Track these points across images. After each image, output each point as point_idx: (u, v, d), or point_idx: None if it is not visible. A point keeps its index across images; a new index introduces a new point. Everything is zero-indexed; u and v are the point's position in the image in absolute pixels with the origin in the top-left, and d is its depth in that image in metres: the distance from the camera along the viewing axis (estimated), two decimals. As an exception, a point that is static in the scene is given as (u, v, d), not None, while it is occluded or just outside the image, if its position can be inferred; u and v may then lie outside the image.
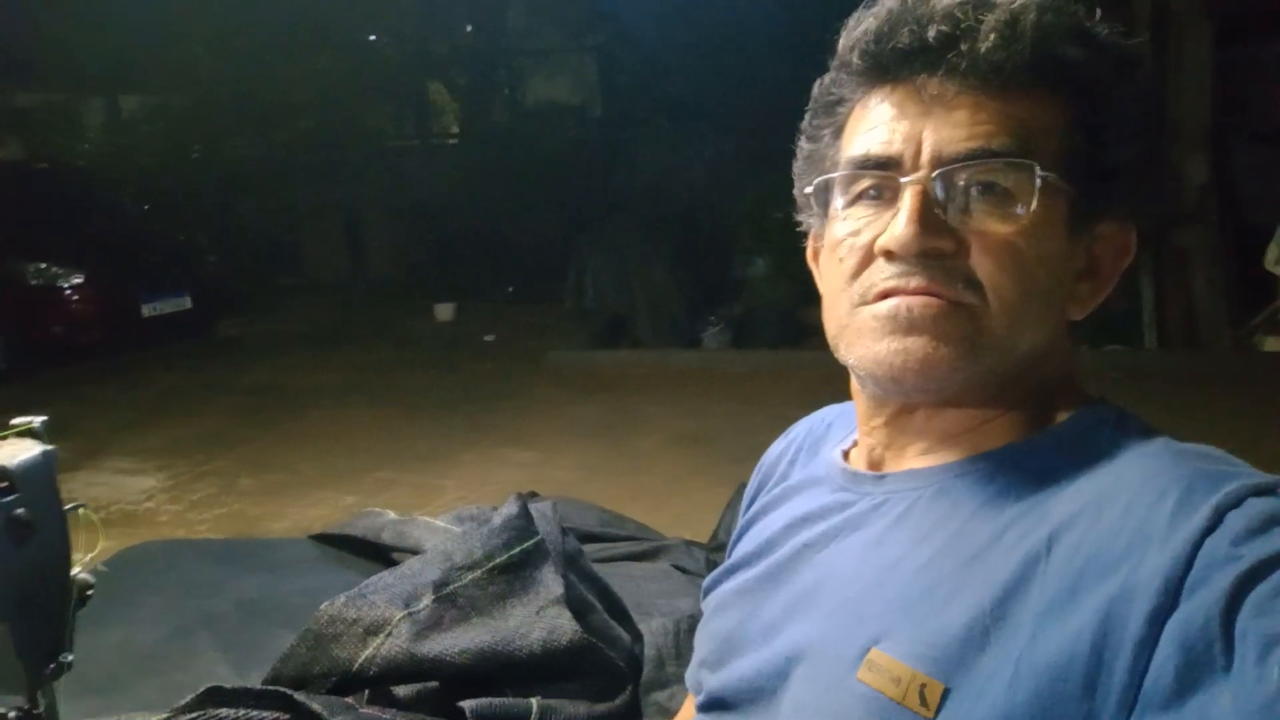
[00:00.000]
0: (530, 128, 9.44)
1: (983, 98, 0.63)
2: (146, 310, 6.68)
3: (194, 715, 0.74)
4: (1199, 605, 0.51)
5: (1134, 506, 0.56)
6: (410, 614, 0.94)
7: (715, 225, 6.76)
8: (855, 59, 0.67)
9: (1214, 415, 4.28)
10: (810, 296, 0.73)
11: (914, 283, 0.63)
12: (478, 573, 1.00)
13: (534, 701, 0.87)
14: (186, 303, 6.95)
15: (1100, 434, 0.64)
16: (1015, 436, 0.66)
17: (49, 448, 0.67)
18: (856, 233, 0.66)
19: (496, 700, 0.86)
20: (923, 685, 0.56)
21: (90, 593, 0.70)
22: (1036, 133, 0.63)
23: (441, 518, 1.34)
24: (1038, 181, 0.62)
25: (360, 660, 0.89)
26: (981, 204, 0.63)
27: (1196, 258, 5.38)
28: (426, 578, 0.98)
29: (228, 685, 0.79)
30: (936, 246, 0.62)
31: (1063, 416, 0.66)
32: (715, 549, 1.56)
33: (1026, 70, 0.62)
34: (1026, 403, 0.66)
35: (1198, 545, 0.53)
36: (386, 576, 1.00)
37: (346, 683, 0.89)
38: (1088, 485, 0.60)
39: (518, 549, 1.04)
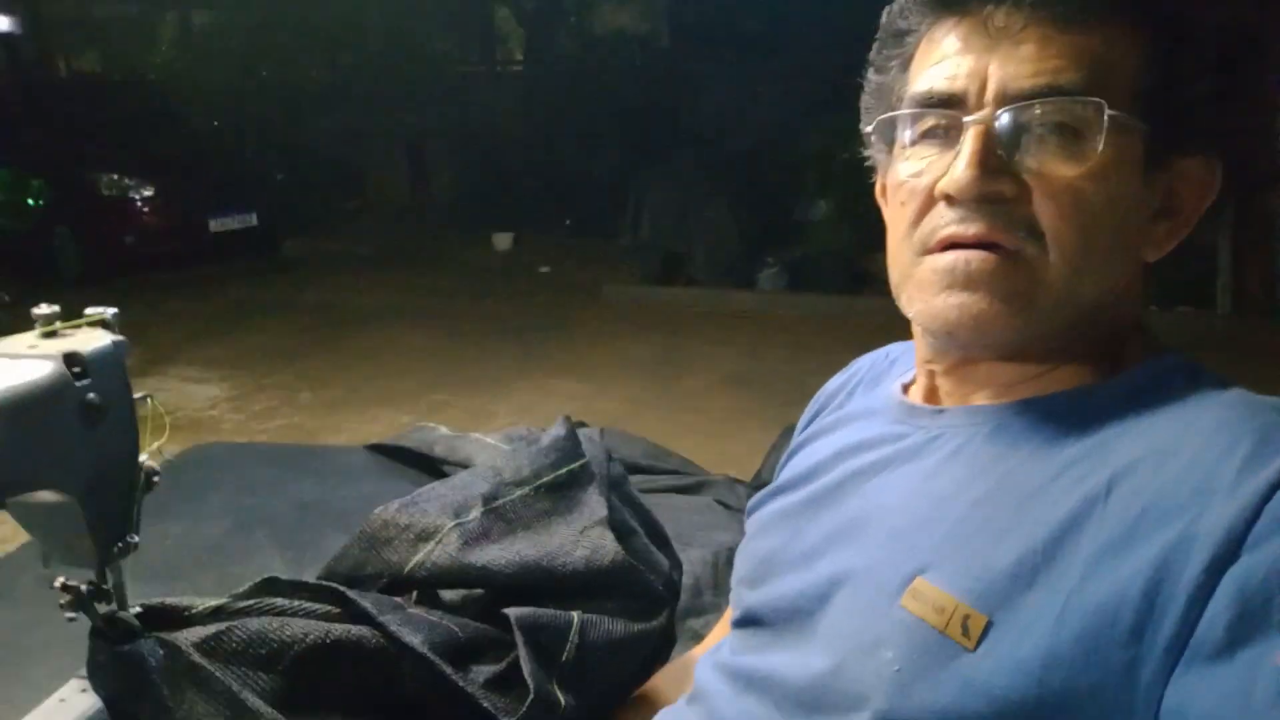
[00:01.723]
0: (596, 56, 9.30)
1: (1051, 30, 0.60)
2: (214, 225, 6.83)
3: (251, 602, 0.77)
4: (1261, 559, 0.50)
5: (1202, 455, 0.55)
6: (460, 524, 0.96)
7: (778, 165, 6.62)
8: None
9: (1286, 385, 4.13)
10: (873, 243, 0.71)
11: (973, 229, 0.61)
12: (525, 489, 1.02)
13: (575, 615, 0.89)
14: (252, 220, 7.08)
15: (1171, 381, 0.62)
16: (1081, 381, 0.64)
17: (119, 338, 0.69)
18: (919, 174, 0.65)
19: (540, 610, 0.88)
20: (966, 616, 0.56)
21: (156, 479, 0.73)
22: (1108, 67, 0.59)
23: (492, 435, 1.36)
24: (1105, 120, 0.58)
25: (411, 564, 0.92)
26: (1047, 144, 0.60)
27: (1282, 220, 5.14)
28: (476, 490, 1.00)
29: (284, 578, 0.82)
30: (996, 190, 0.60)
31: (1133, 363, 0.64)
32: (758, 487, 1.57)
33: (1098, 0, 0.59)
34: (1094, 350, 0.65)
35: (1267, 498, 0.51)
36: (438, 487, 1.03)
37: (396, 584, 0.92)
38: (1153, 431, 0.58)
39: (564, 469, 1.05)
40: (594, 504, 1.03)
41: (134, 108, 7.31)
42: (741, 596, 0.78)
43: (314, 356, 5.01)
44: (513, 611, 0.85)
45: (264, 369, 4.78)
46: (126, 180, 6.57)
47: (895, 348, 0.85)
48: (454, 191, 9.57)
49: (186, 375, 4.72)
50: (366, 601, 0.80)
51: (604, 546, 0.96)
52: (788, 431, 1.70)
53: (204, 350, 5.12)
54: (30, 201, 6.63)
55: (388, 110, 9.09)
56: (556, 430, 1.11)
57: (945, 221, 0.62)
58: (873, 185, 0.76)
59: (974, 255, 0.61)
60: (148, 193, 6.56)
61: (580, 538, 0.97)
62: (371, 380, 4.60)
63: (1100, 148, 0.59)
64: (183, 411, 4.21)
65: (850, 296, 5.71)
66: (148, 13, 10.18)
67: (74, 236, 6.48)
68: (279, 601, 0.78)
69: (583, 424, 1.52)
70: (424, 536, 0.94)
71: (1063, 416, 0.62)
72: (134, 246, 6.53)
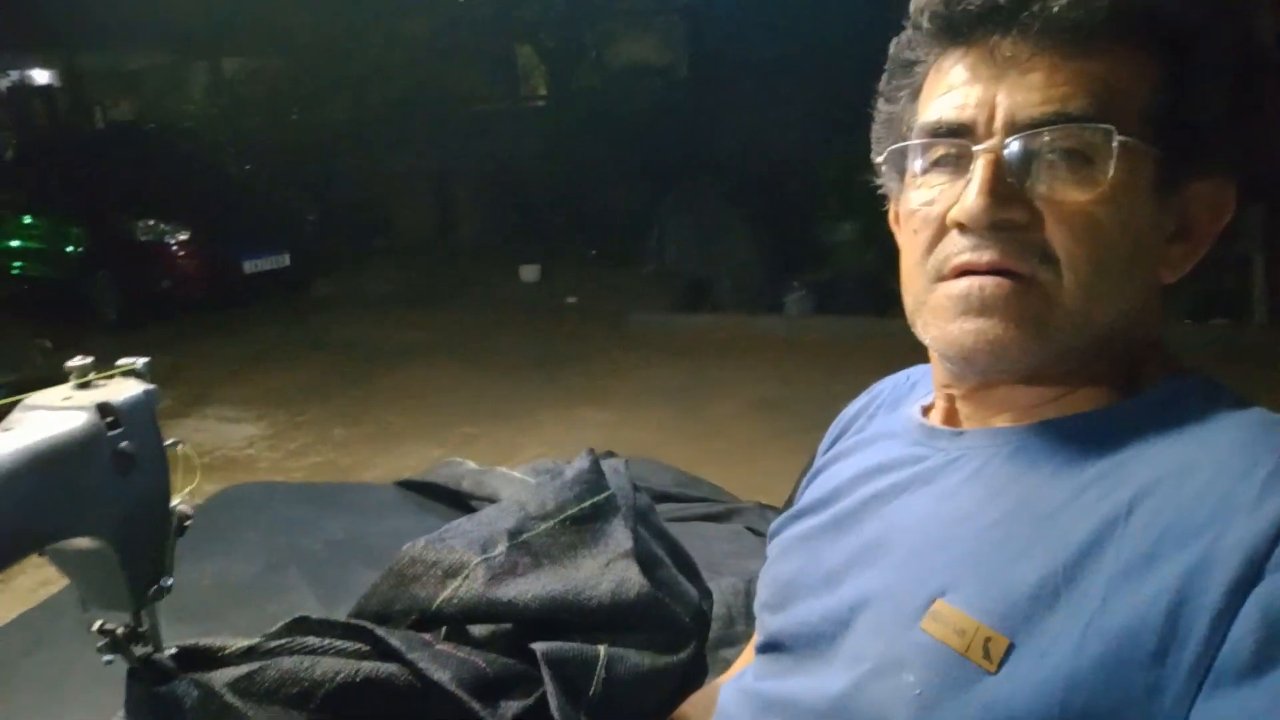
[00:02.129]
0: (617, 90, 9.41)
1: (1058, 58, 0.60)
2: (248, 267, 6.94)
3: (283, 641, 0.78)
4: None
5: (1222, 474, 0.55)
6: (486, 559, 0.97)
7: (801, 189, 6.64)
8: (926, 21, 0.65)
9: (1328, 396, 4.04)
10: (898, 264, 0.72)
11: (986, 257, 0.61)
12: (550, 523, 1.03)
13: (601, 649, 0.90)
14: (285, 260, 7.19)
15: (1189, 401, 0.62)
16: (1100, 403, 0.64)
17: (150, 387, 0.71)
18: (930, 203, 0.65)
19: (567, 645, 0.88)
20: (987, 639, 0.56)
21: (189, 523, 0.75)
22: (1117, 92, 0.59)
23: (518, 469, 1.37)
24: (1115, 146, 0.59)
25: (439, 600, 0.93)
26: (1057, 171, 0.60)
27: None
28: (502, 525, 1.01)
29: (315, 617, 0.84)
30: (1008, 218, 0.61)
31: (1151, 383, 0.64)
32: (789, 514, 1.56)
33: (1105, 26, 0.59)
34: (1112, 370, 0.65)
35: None
36: (465, 523, 1.04)
37: (425, 620, 0.93)
38: (1173, 451, 0.58)
39: (589, 502, 1.06)
40: (619, 536, 1.03)
41: (168, 154, 7.51)
42: (764, 621, 0.78)
43: (346, 394, 5.08)
44: (539, 646, 0.86)
45: (298, 407, 4.85)
46: (162, 225, 6.72)
47: (916, 370, 0.85)
48: (481, 226, 9.68)
49: (223, 415, 4.80)
50: (395, 639, 0.81)
51: (629, 579, 0.96)
52: (818, 455, 1.70)
53: (239, 390, 5.20)
54: (68, 249, 6.81)
55: (414, 149, 9.24)
56: (580, 463, 1.12)
57: (958, 249, 0.63)
58: None
59: (988, 281, 0.61)
60: (183, 236, 6.70)
61: (606, 570, 0.98)
62: (402, 415, 4.65)
63: (1111, 173, 0.59)
64: (220, 451, 4.27)
65: (877, 318, 5.67)
66: (179, 62, 10.46)
67: (112, 281, 6.63)
68: (310, 640, 0.79)
69: (611, 454, 1.53)
70: (451, 573, 0.95)
71: (1082, 437, 0.62)
72: (170, 290, 6.67)
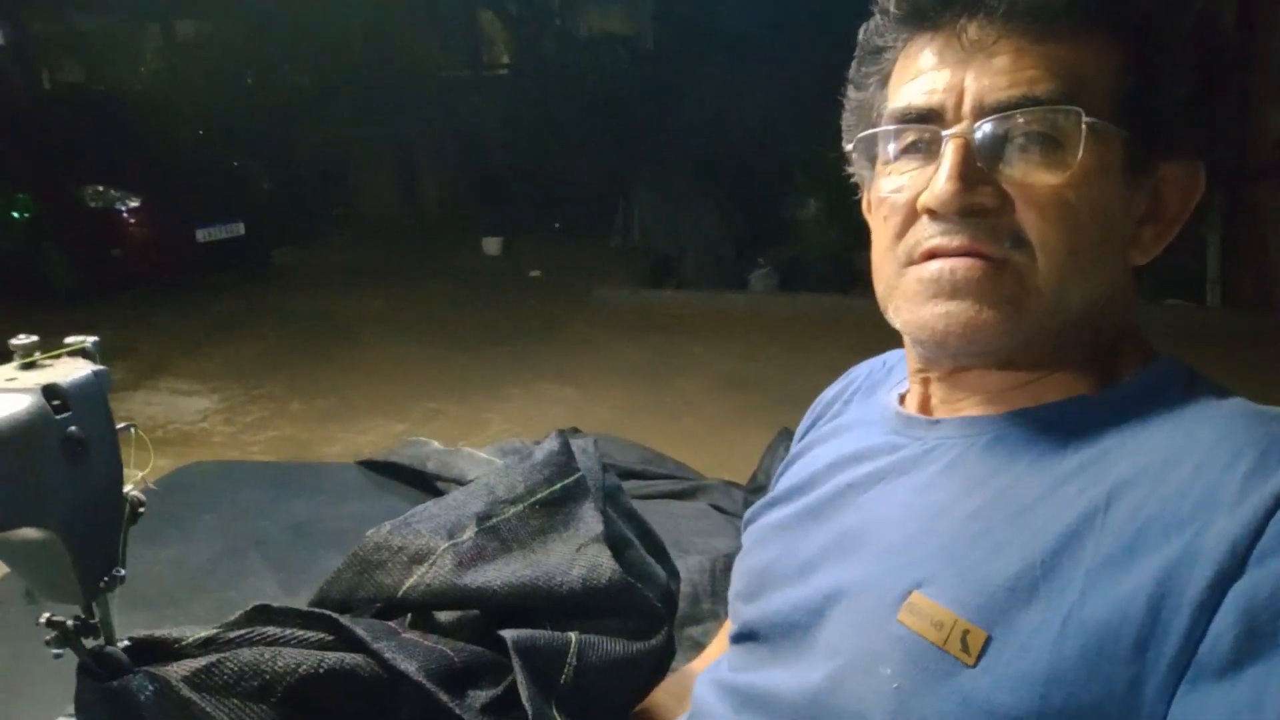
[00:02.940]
0: (582, 60, 9.29)
1: (1025, 41, 0.60)
2: (201, 235, 6.78)
3: (243, 632, 0.75)
4: (1268, 574, 0.49)
5: (1204, 468, 0.54)
6: (454, 545, 0.95)
7: (767, 166, 6.63)
8: (893, 6, 0.65)
9: (1277, 379, 4.15)
10: (862, 241, 0.72)
11: (956, 241, 0.61)
12: (520, 506, 1.01)
13: (572, 636, 0.88)
14: (240, 229, 7.03)
15: (1169, 391, 0.61)
16: (1077, 390, 0.64)
17: (100, 368, 0.68)
18: (899, 189, 0.65)
19: (537, 633, 0.87)
20: (965, 631, 0.56)
21: (142, 510, 0.72)
22: (1084, 75, 0.59)
23: (485, 449, 1.35)
24: (1084, 128, 0.58)
25: (405, 588, 0.90)
26: (1027, 154, 0.60)
27: (1271, 214, 5.16)
28: (470, 510, 0.99)
29: (276, 605, 0.81)
30: (978, 202, 0.60)
31: (1128, 371, 0.64)
32: (754, 490, 1.56)
33: (1071, 9, 0.59)
34: (1087, 356, 0.64)
35: (1271, 512, 0.51)
36: (431, 507, 1.01)
37: (391, 608, 0.91)
38: (1153, 443, 0.58)
39: (559, 484, 1.04)
40: (589, 519, 1.02)
41: (118, 119, 7.26)
42: (738, 611, 0.77)
43: (305, 366, 4.99)
44: (509, 634, 0.84)
45: (254, 380, 4.76)
46: (112, 192, 6.52)
47: (892, 355, 0.84)
48: (443, 197, 9.56)
49: (176, 388, 4.69)
50: (360, 628, 0.79)
51: (601, 565, 0.95)
52: (784, 434, 1.70)
53: (194, 362, 5.09)
54: (15, 215, 6.59)
55: (374, 117, 9.06)
56: (549, 444, 1.10)
57: (929, 235, 0.62)
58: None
59: (960, 263, 0.61)
60: (134, 204, 6.51)
61: (577, 556, 0.96)
62: (363, 389, 4.58)
63: (1080, 156, 0.59)
64: (173, 425, 4.18)
65: (842, 296, 5.71)
66: (131, 24, 10.13)
67: (60, 250, 6.43)
68: (271, 630, 0.76)
69: (576, 430, 1.51)
70: (418, 559, 0.93)
71: (1060, 427, 0.62)
72: (121, 259, 6.49)
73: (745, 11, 7.69)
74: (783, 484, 0.81)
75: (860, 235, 0.73)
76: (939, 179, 0.61)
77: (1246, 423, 0.57)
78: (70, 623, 0.68)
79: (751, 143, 6.98)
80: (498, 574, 0.91)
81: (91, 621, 0.70)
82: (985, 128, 0.60)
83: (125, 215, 6.50)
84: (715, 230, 6.38)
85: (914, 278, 0.63)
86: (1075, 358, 0.64)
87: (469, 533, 0.95)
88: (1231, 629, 0.49)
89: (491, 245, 7.99)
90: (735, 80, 7.58)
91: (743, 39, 7.86)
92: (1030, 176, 0.60)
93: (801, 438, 0.87)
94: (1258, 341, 4.73)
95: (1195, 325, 4.88)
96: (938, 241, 0.62)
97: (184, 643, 0.73)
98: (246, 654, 0.72)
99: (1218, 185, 0.65)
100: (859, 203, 0.77)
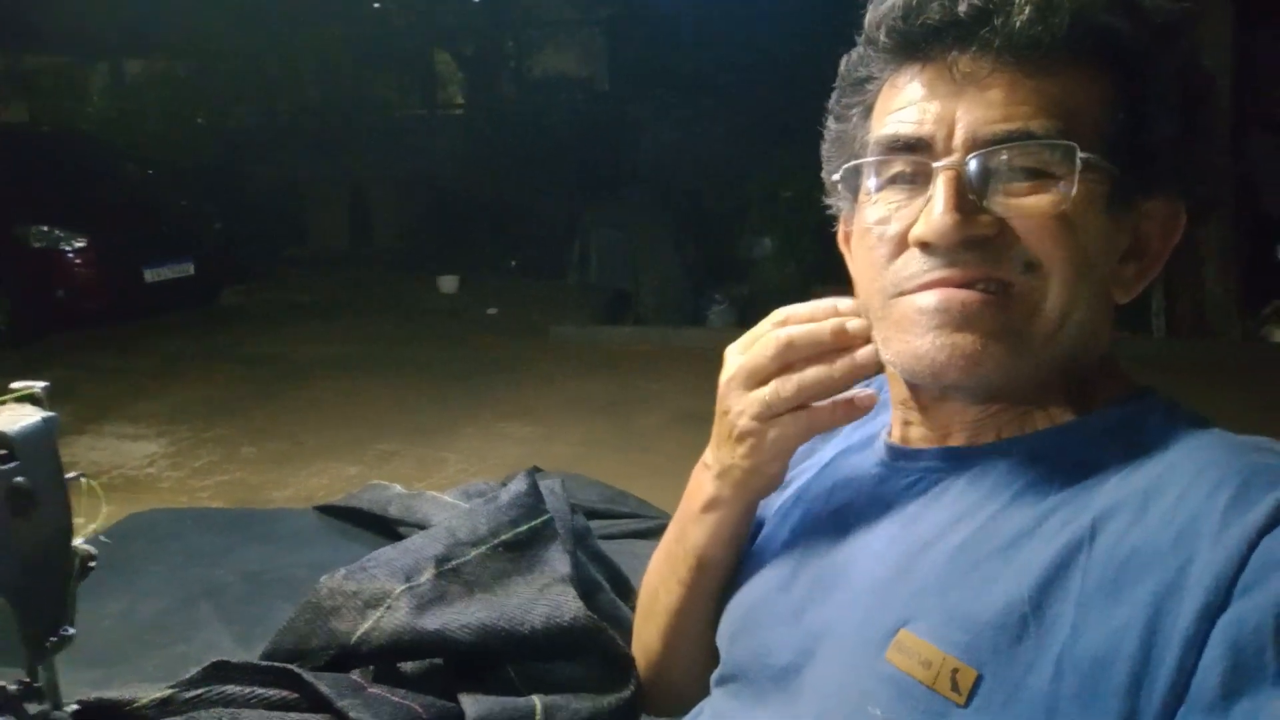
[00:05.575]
0: (537, 100, 9.38)
1: (1018, 75, 0.60)
2: (149, 275, 6.63)
3: (200, 691, 0.72)
4: (1252, 607, 0.49)
5: (1186, 499, 0.54)
6: (411, 587, 0.92)
7: (723, 203, 6.72)
8: (883, 36, 0.64)
9: (1221, 406, 4.25)
10: (819, 278, 0.71)
11: (957, 273, 0.60)
12: (482, 549, 0.99)
13: (537, 700, 0.86)
14: (189, 269, 6.90)
15: (1148, 422, 0.62)
16: (1059, 420, 0.64)
17: (50, 414, 0.65)
18: (886, 220, 0.64)
19: (498, 700, 0.84)
20: (954, 670, 0.55)
21: (92, 564, 0.69)
22: (1076, 111, 0.60)
23: (449, 492, 1.32)
24: (1079, 163, 0.59)
25: (359, 633, 0.87)
26: (1019, 187, 0.60)
27: (1209, 246, 5.34)
28: (429, 552, 0.97)
29: (232, 659, 0.78)
30: (977, 234, 0.60)
31: (1109, 402, 0.64)
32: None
33: (1064, 44, 0.59)
34: (1070, 388, 0.64)
35: (1254, 543, 0.51)
36: (389, 551, 0.99)
37: (345, 656, 0.87)
38: (1135, 474, 0.58)
39: (525, 527, 1.02)
40: (556, 561, 1.00)
41: (65, 159, 7.11)
42: (721, 650, 0.75)
43: (256, 409, 4.88)
44: (469, 707, 0.81)
45: (204, 423, 4.64)
46: (57, 232, 6.37)
47: (875, 382, 0.84)
48: (397, 236, 9.50)
49: (122, 433, 4.56)
50: (324, 684, 0.76)
51: (564, 604, 0.93)
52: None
53: (140, 406, 4.95)
54: (-46, 257, 6.39)
55: (328, 156, 9.01)
56: (517, 485, 1.08)
57: (927, 268, 0.61)
58: (815, 221, 0.75)
59: (963, 294, 0.60)
60: (80, 244, 6.36)
61: (539, 596, 0.94)
62: (316, 432, 4.49)
63: (1074, 190, 0.59)
64: (119, 471, 4.05)
65: (798, 331, 5.75)
66: (78, 62, 9.99)
67: (2, 291, 6.25)
68: (230, 689, 0.73)
69: (538, 469, 1.48)
70: (372, 603, 0.90)
71: (1043, 458, 0.62)
72: (66, 300, 6.32)
73: (699, 53, 7.84)
74: (765, 514, 0.80)
75: (816, 271, 0.72)
76: (934, 211, 0.60)
77: (1227, 453, 0.57)
78: (13, 687, 0.65)
79: (707, 181, 7.07)
80: (456, 617, 0.89)
81: (36, 685, 0.66)
82: (976, 161, 0.60)
83: (70, 255, 6.34)
84: (671, 267, 6.42)
85: (910, 308, 0.62)
86: (1059, 389, 0.64)
87: (427, 575, 0.93)
88: (1219, 663, 0.49)
89: (447, 284, 7.95)
90: (689, 120, 7.69)
91: (696, 79, 8.00)
92: (1028, 204, 0.60)
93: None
94: (1202, 369, 4.87)
95: (1144, 355, 5.02)
96: (940, 274, 0.60)
97: (137, 704, 0.70)
98: (205, 716, 0.69)
99: (1199, 225, 0.66)
100: (813, 239, 0.76)
